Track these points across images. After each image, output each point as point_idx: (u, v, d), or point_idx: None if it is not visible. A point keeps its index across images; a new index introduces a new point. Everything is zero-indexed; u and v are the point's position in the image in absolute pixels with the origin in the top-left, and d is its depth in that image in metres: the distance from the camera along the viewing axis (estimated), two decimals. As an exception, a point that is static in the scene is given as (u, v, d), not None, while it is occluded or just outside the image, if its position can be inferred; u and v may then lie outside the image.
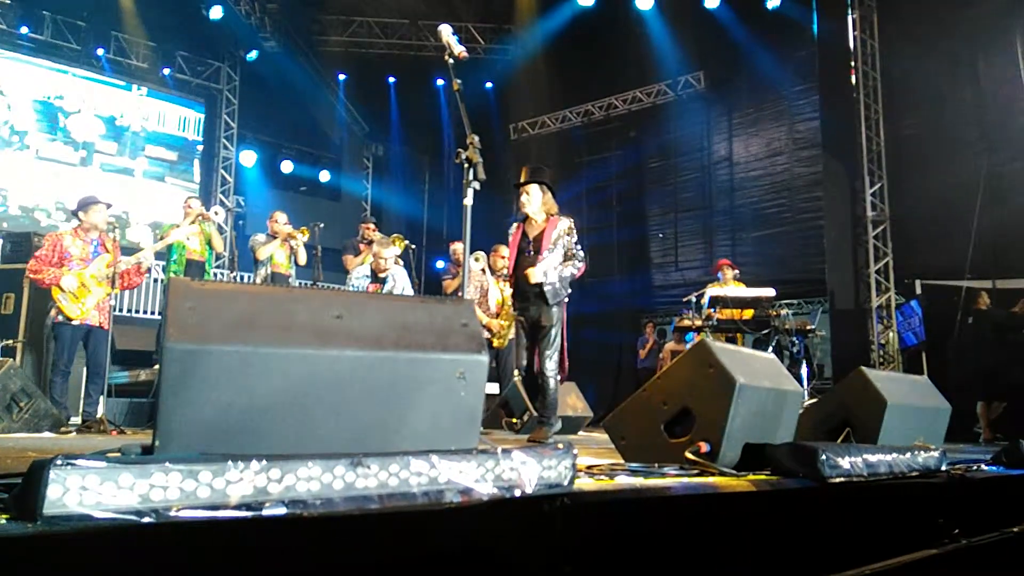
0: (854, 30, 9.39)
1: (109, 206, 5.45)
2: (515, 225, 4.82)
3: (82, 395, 5.34)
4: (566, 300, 4.73)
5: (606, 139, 12.46)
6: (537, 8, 11.74)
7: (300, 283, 8.22)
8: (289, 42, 12.26)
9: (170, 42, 11.66)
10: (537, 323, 4.60)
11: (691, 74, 11.52)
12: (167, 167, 12.17)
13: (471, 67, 9.85)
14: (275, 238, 7.13)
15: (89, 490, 1.12)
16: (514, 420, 5.85)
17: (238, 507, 1.24)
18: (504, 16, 12.15)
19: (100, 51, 11.08)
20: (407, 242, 7.84)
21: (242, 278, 8.61)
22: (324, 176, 14.13)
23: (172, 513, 1.18)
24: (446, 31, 3.09)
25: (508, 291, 7.17)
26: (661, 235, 11.98)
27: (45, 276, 5.09)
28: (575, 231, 4.72)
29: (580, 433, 6.23)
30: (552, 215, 4.71)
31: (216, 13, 11.05)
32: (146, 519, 1.15)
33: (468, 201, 2.79)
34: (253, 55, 12.17)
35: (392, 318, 1.84)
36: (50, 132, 10.91)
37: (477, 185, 2.80)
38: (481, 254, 7.56)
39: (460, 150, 2.84)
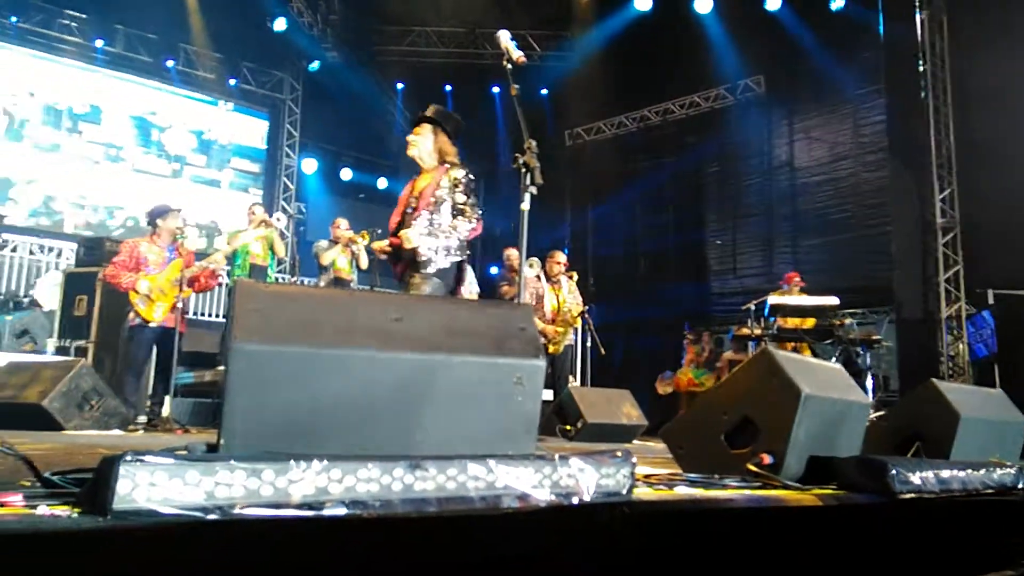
0: (922, 30, 9.08)
1: (179, 211, 5.70)
2: (409, 181, 4.06)
3: (149, 394, 5.54)
4: (453, 267, 3.82)
5: (663, 144, 12.32)
6: (594, 14, 11.70)
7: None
8: (350, 52, 12.51)
9: (236, 54, 12.03)
10: None
11: (751, 78, 11.31)
12: (251, 178, 12.71)
13: (527, 73, 9.88)
14: (337, 244, 7.29)
15: (157, 486, 1.14)
16: (568, 427, 5.82)
17: (300, 506, 1.26)
18: (561, 23, 12.15)
19: (170, 63, 11.50)
20: (462, 248, 7.87)
21: (303, 283, 8.80)
22: (382, 183, 14.34)
23: (236, 511, 1.20)
24: (504, 36, 3.10)
25: (564, 296, 7.18)
26: (719, 242, 11.78)
27: (123, 280, 5.35)
28: (469, 183, 3.84)
29: (635, 442, 6.15)
30: (446, 163, 3.87)
31: (280, 25, 11.36)
32: (211, 516, 1.17)
33: (525, 206, 2.79)
34: (315, 66, 12.46)
35: (450, 321, 1.84)
36: (145, 146, 11.55)
37: (534, 190, 2.79)
38: (535, 260, 7.57)
39: (517, 155, 2.84)
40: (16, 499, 1.15)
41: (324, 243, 7.41)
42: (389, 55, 12.94)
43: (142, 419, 5.28)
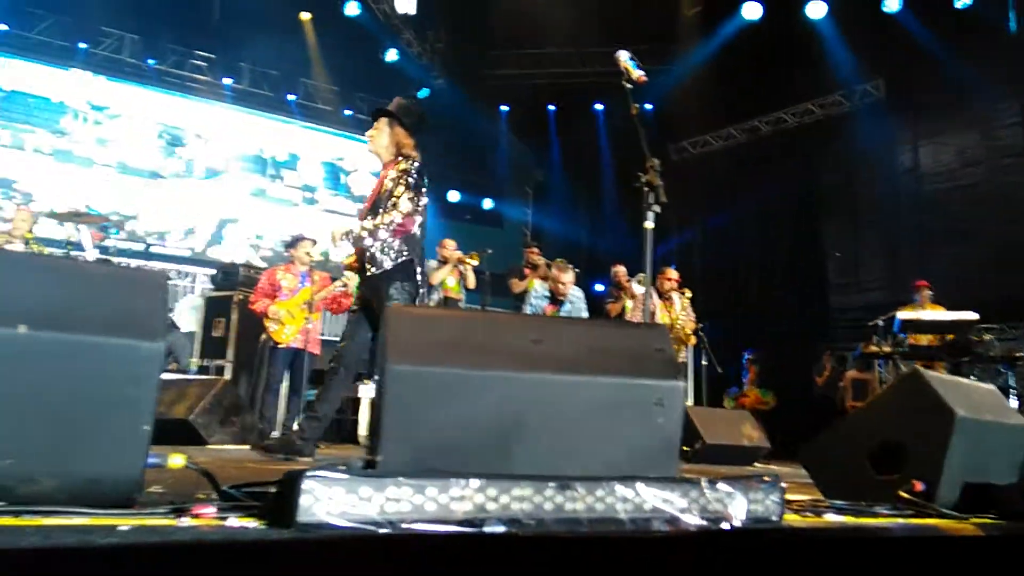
0: (1061, 23, 8.42)
1: (315, 242, 6.16)
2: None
3: (281, 411, 5.87)
4: (407, 268, 3.46)
5: (775, 155, 11.92)
6: (700, 26, 11.52)
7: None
8: (456, 78, 12.86)
9: (351, 85, 12.62)
10: (369, 304, 3.51)
11: (870, 83, 10.81)
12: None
13: (630, 89, 9.81)
14: (445, 264, 7.47)
15: (335, 500, 1.21)
16: (685, 448, 5.69)
17: (462, 523, 1.30)
18: (665, 36, 12.03)
19: (291, 97, 12.20)
20: (570, 266, 7.93)
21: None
22: (487, 204, 14.61)
23: (405, 525, 1.25)
24: (624, 56, 3.12)
25: (677, 313, 7.06)
26: (838, 254, 11.25)
27: (259, 306, 5.86)
28: (412, 175, 3.61)
29: (756, 465, 5.95)
30: (401, 156, 3.72)
31: (392, 56, 11.85)
32: (383, 530, 1.23)
33: (649, 224, 2.78)
34: (424, 92, 12.88)
35: (588, 342, 1.86)
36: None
37: (658, 208, 2.78)
38: (644, 276, 7.47)
39: (640, 173, 2.84)
40: (209, 511, 1.25)
41: (433, 263, 7.62)
42: (493, 79, 13.20)
43: (275, 434, 5.58)
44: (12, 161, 10.29)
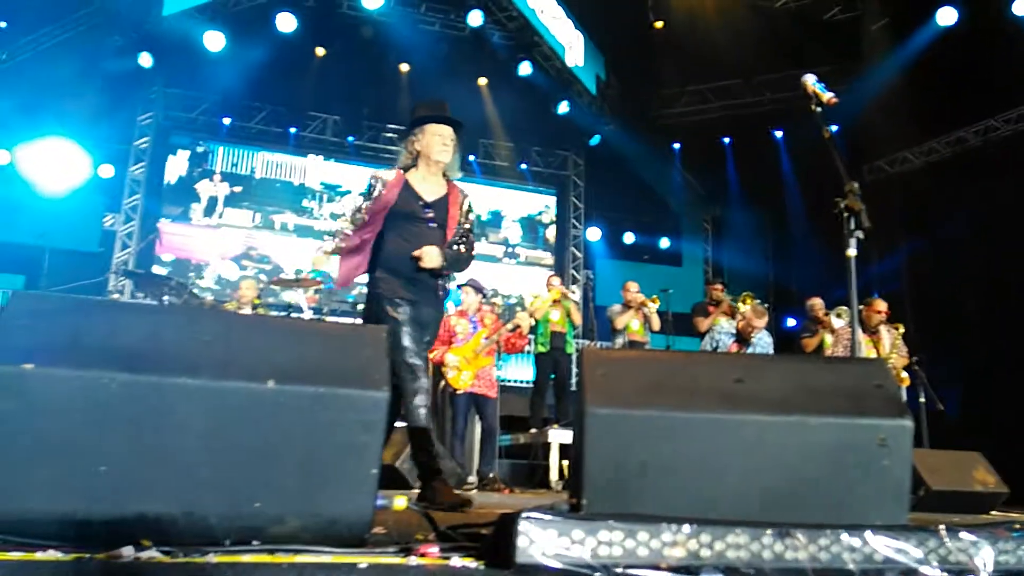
0: None
1: (479, 291, 6.33)
2: (394, 172, 3.46)
3: (476, 456, 6.06)
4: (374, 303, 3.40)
5: (988, 167, 10.73)
6: (888, 39, 10.77)
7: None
8: (626, 122, 12.95)
9: (524, 140, 13.12)
10: (428, 327, 3.36)
11: (1101, 77, 9.52)
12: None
13: (821, 112, 9.29)
14: (630, 307, 7.45)
15: (549, 542, 1.24)
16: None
17: (676, 570, 1.27)
18: (850, 54, 11.36)
19: (471, 157, 12.88)
20: (757, 300, 7.64)
21: (600, 346, 9.04)
22: (664, 243, 14.43)
23: (618, 570, 1.25)
24: (810, 80, 3.01)
25: (887, 348, 6.49)
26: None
27: (435, 354, 6.02)
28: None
29: (993, 513, 5.26)
30: (454, 181, 3.59)
31: (563, 108, 12.18)
32: (597, 574, 1.23)
33: (852, 252, 2.62)
34: (595, 139, 13.08)
35: (796, 381, 1.77)
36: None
37: (861, 234, 2.61)
38: (844, 309, 7.01)
39: (837, 199, 2.69)
40: (434, 551, 1.32)
41: (617, 307, 7.63)
42: (664, 119, 13.15)
43: (472, 479, 5.76)
44: (264, 239, 11.99)
